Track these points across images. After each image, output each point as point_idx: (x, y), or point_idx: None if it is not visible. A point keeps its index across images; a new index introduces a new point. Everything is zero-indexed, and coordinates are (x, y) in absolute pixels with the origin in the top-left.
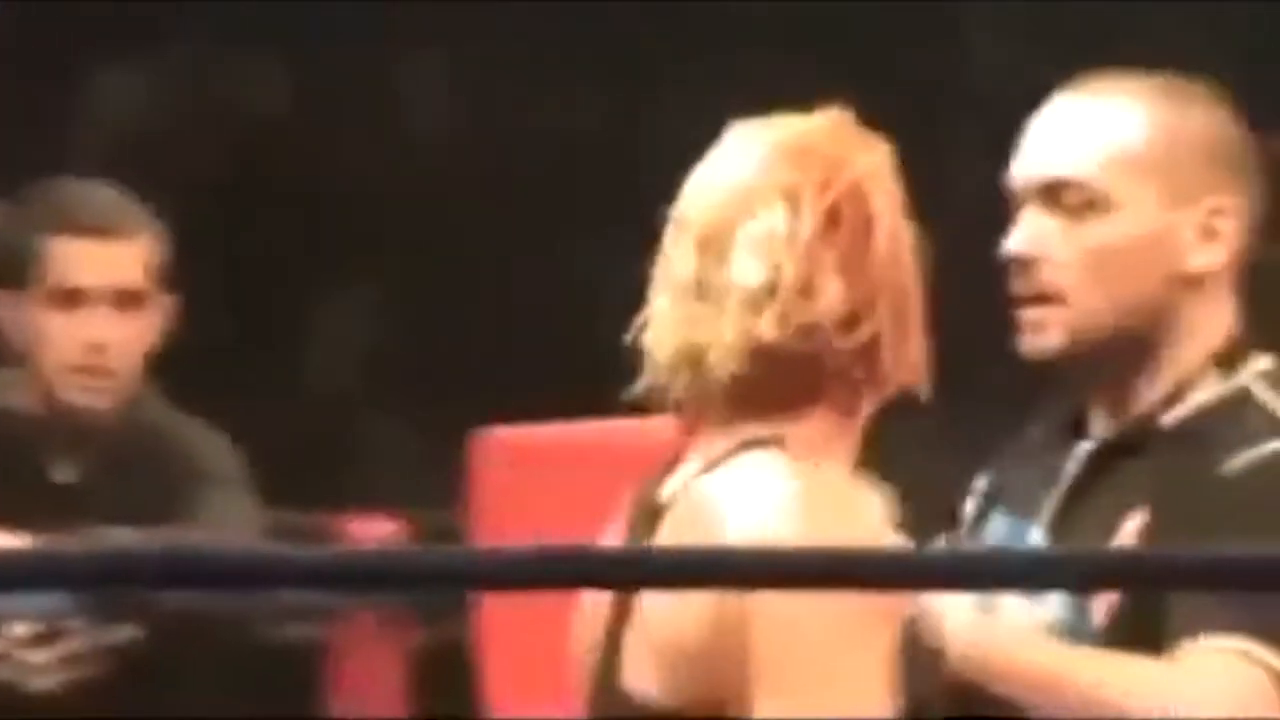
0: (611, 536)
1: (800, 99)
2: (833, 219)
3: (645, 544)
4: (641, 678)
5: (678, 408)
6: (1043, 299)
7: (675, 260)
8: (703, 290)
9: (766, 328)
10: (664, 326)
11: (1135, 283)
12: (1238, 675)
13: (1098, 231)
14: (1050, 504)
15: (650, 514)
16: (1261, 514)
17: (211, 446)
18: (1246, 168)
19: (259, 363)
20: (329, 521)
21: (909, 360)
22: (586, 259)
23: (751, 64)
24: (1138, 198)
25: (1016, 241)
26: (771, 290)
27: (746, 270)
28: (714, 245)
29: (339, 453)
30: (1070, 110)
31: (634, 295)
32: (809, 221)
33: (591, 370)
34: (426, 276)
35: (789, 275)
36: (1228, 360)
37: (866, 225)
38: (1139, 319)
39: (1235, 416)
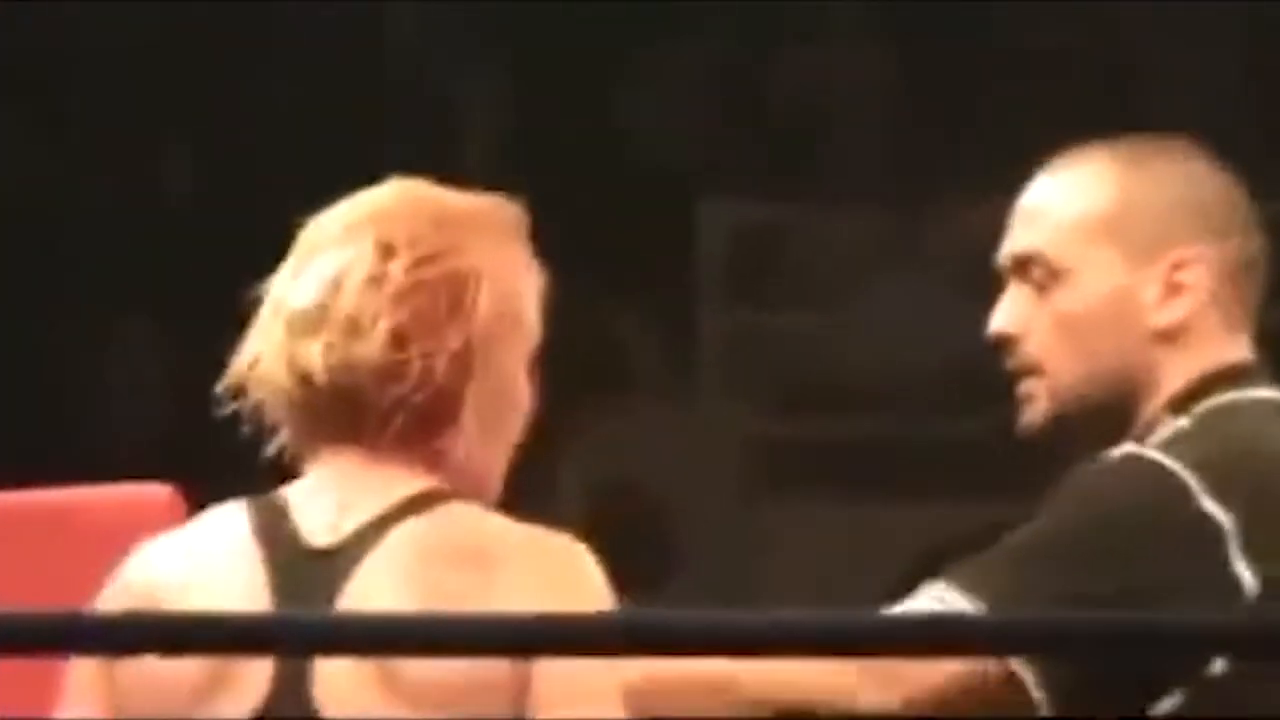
0: (210, 590)
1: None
2: (420, 281)
3: (316, 593)
4: (368, 713)
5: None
6: (1027, 371)
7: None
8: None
9: (311, 356)
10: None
11: (1103, 345)
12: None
13: (1061, 301)
14: None
15: (312, 560)
16: (1083, 493)
17: None
18: (1222, 215)
19: None
20: None
21: (488, 465)
22: (64, 320)
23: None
24: (1097, 263)
25: (996, 320)
26: (321, 319)
27: (305, 294)
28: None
29: None
30: (1038, 188)
31: (105, 358)
32: (393, 271)
33: (61, 437)
34: None
35: (343, 309)
36: (1181, 403)
37: (458, 302)
38: (1114, 379)
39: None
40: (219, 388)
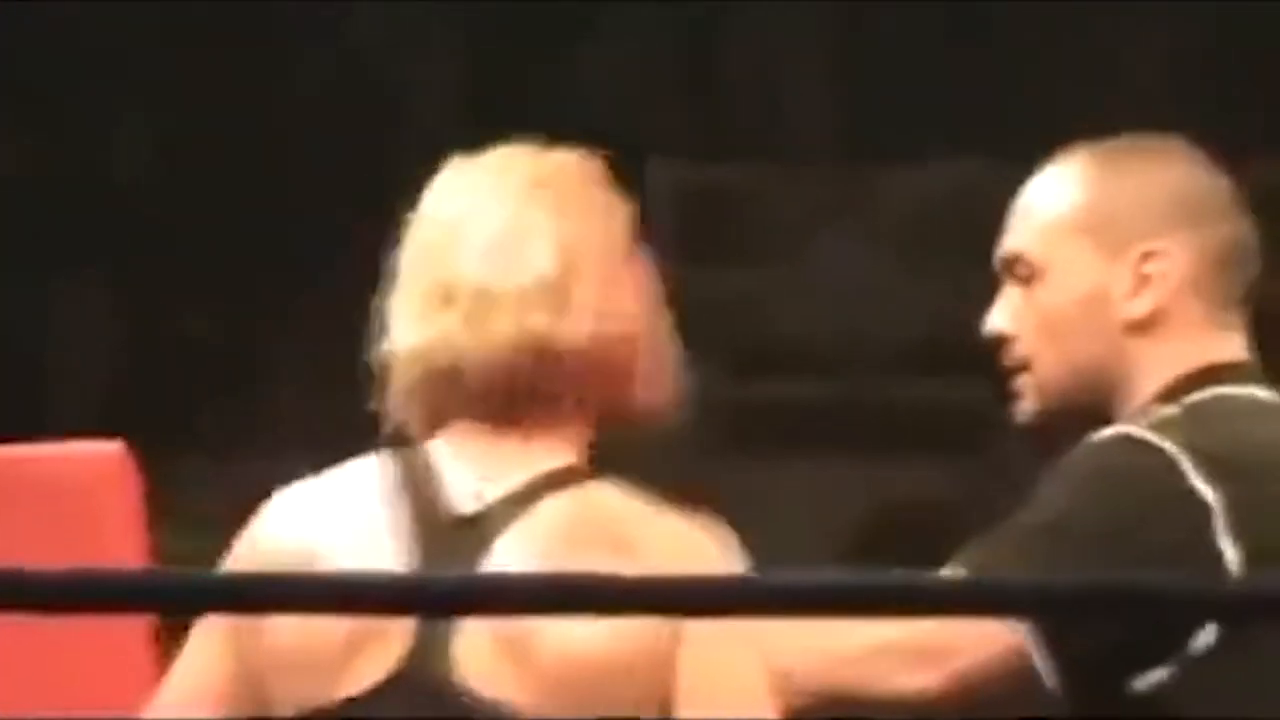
0: (375, 556)
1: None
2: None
3: (457, 561)
4: (501, 686)
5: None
6: (1018, 368)
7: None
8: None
9: (495, 328)
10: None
11: (1081, 339)
12: None
13: (1041, 297)
14: None
15: (456, 528)
16: (1077, 472)
17: None
18: (1200, 207)
19: None
20: None
21: (665, 395)
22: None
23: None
24: (1071, 259)
25: (991, 321)
26: (500, 293)
27: (473, 271)
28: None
29: None
30: (1025, 191)
31: (47, 322)
32: (564, 236)
33: (9, 394)
34: None
35: (526, 278)
36: (1170, 395)
37: (627, 258)
38: (1093, 372)
39: None
40: (371, 383)
